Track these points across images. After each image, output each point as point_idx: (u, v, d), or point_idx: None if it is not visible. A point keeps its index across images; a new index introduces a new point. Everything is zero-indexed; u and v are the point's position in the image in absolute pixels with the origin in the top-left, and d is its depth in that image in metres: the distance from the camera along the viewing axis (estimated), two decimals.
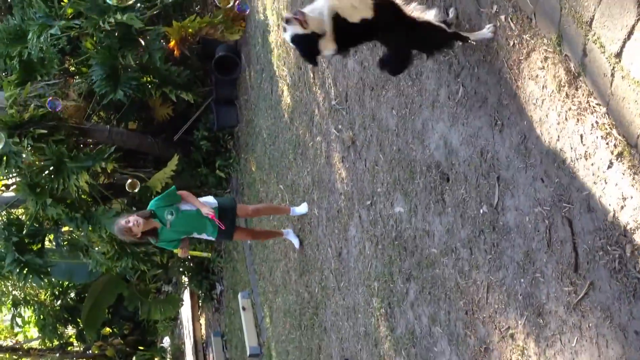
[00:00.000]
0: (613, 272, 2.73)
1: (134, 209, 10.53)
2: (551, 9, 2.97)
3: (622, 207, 2.66)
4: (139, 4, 8.42)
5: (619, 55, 2.52)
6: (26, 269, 9.85)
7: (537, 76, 3.19)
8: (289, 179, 7.70)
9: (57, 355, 19.70)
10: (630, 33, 2.43)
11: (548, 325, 3.16)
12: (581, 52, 2.78)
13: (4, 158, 8.86)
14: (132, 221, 5.92)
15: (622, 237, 2.67)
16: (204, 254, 10.03)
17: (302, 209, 7.00)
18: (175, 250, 6.82)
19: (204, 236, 6.63)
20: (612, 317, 2.74)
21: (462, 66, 3.91)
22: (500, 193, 3.54)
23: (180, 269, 13.23)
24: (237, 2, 7.49)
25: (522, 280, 3.38)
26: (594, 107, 2.81)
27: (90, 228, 9.55)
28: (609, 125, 2.73)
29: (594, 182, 2.82)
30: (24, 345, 21.13)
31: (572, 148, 2.95)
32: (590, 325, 2.88)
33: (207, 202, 6.44)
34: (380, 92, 5.08)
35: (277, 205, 7.91)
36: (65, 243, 11.39)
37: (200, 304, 16.28)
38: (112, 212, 9.48)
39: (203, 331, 16.36)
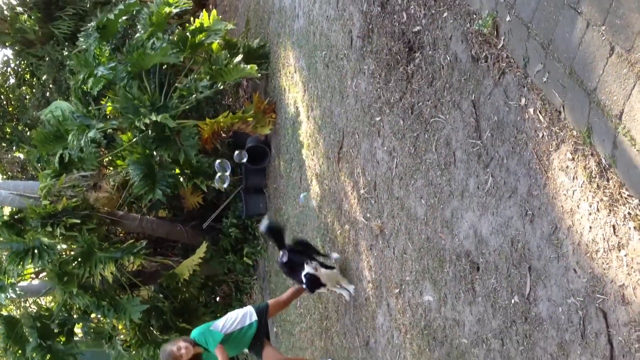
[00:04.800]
0: None
1: (161, 295, 10.56)
2: (580, 103, 3.05)
3: None
4: (173, 101, 8.63)
5: None
6: (49, 356, 9.78)
7: (567, 167, 3.24)
8: None
9: None
10: None
11: None
12: (611, 144, 2.83)
13: (36, 252, 8.95)
14: (183, 347, 6.06)
15: None
16: None
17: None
18: None
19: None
20: None
21: (491, 157, 3.98)
22: (532, 283, 3.53)
23: None
24: None
25: None
26: (625, 198, 2.83)
27: (115, 316, 9.55)
28: None
29: (628, 274, 2.81)
30: None
31: (604, 239, 2.96)
32: None
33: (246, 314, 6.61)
34: (409, 182, 5.15)
35: (296, 290, 7.64)
36: (91, 331, 11.34)
37: None
38: (137, 300, 9.51)
39: None
